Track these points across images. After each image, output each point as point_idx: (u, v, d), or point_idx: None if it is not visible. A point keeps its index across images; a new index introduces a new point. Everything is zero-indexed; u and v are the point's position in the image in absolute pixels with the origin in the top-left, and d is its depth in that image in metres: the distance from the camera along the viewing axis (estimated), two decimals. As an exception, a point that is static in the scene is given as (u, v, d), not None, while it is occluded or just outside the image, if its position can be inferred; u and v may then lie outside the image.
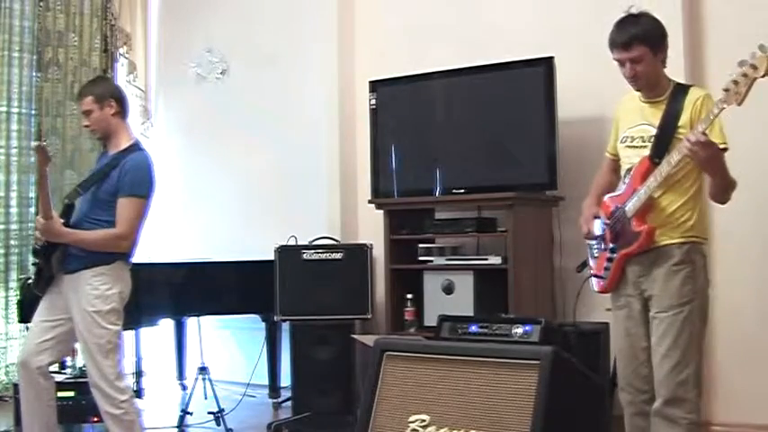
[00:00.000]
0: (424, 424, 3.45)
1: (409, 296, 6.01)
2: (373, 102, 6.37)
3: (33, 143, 4.50)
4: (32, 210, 7.44)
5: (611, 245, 4.05)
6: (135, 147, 4.63)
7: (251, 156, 7.62)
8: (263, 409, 6.70)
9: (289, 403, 6.52)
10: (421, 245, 6.07)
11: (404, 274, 6.12)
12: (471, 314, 5.56)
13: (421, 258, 6.03)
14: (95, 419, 5.16)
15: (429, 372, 3.54)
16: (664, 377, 3.82)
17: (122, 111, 4.68)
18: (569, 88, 5.69)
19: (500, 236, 5.76)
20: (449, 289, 5.85)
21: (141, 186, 4.49)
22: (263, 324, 6.80)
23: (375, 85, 6.40)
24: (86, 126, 4.69)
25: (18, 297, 6.85)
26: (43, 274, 4.56)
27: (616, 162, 4.21)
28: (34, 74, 7.56)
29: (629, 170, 4.03)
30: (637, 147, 4.00)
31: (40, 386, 4.49)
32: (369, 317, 6.25)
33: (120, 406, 4.43)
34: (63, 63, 7.69)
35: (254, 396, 6.88)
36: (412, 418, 3.49)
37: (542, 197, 5.80)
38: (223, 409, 5.91)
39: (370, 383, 3.67)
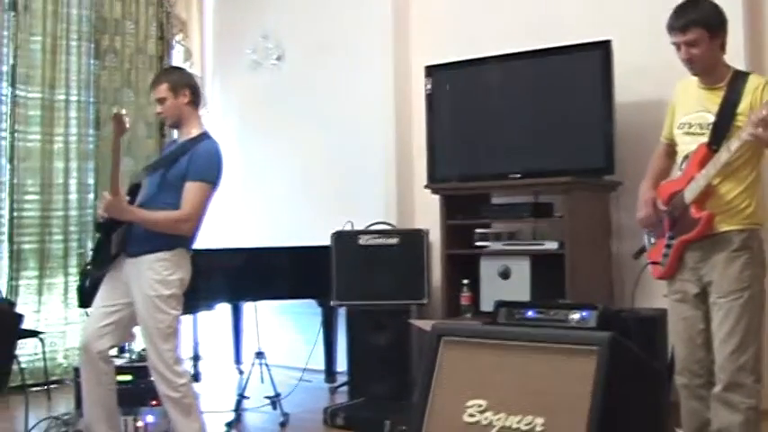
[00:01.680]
0: (481, 409, 3.47)
1: (465, 281, 6.03)
2: (429, 87, 6.38)
3: (114, 110, 4.54)
4: (91, 196, 7.54)
5: (669, 231, 4.04)
6: (205, 135, 4.68)
7: (307, 142, 7.67)
8: (320, 393, 6.75)
9: (345, 388, 6.58)
10: (477, 230, 6.08)
11: (460, 260, 6.14)
12: (528, 299, 5.56)
13: (477, 244, 6.04)
14: (153, 403, 5.22)
15: (486, 357, 3.55)
16: (723, 362, 3.81)
17: (195, 100, 4.74)
18: (627, 71, 5.66)
19: (557, 221, 5.76)
20: (505, 274, 5.86)
21: (210, 172, 4.55)
22: (320, 309, 6.85)
23: (431, 71, 6.40)
24: (159, 113, 4.75)
25: (78, 282, 6.97)
26: (102, 251, 4.63)
27: (671, 147, 4.19)
28: (92, 61, 7.65)
29: (686, 157, 4.01)
30: (695, 134, 3.98)
31: (100, 370, 4.57)
32: (425, 302, 6.27)
33: (178, 389, 4.50)
34: (120, 51, 7.80)
35: (310, 381, 6.94)
36: (469, 403, 3.50)
37: (600, 182, 5.78)
38: (279, 394, 5.97)
39: (427, 368, 3.68)
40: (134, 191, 4.58)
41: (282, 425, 5.78)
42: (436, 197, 6.21)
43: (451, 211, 6.15)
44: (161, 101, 4.68)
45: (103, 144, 7.42)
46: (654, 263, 4.14)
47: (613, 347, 3.29)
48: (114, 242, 4.56)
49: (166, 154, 4.75)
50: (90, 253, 7.13)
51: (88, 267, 5.63)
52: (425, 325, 4.31)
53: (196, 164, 4.51)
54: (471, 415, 3.48)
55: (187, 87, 4.71)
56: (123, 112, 4.42)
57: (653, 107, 5.54)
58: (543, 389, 3.37)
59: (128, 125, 4.40)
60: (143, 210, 4.51)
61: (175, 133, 4.88)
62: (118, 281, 4.60)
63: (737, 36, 5.08)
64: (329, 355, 6.96)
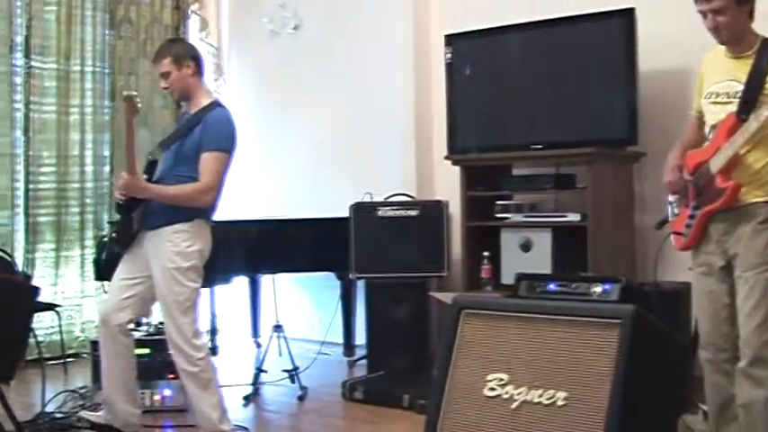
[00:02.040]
0: (502, 382, 3.46)
1: (485, 254, 6.01)
2: (449, 56, 6.34)
3: (124, 93, 4.53)
4: (107, 168, 7.57)
5: (693, 201, 4.00)
6: (216, 104, 4.68)
7: (325, 111, 7.64)
8: (338, 367, 6.77)
9: (363, 361, 6.61)
10: (498, 202, 6.06)
11: (480, 232, 6.12)
12: (549, 272, 5.55)
13: (498, 215, 6.03)
14: (171, 376, 5.26)
15: (508, 330, 3.54)
16: (748, 336, 3.78)
17: (199, 71, 4.73)
18: (651, 40, 5.61)
19: (579, 192, 5.74)
20: (526, 246, 5.85)
21: (224, 141, 4.54)
22: (338, 282, 6.86)
23: (451, 39, 6.36)
24: (165, 88, 4.73)
25: (94, 255, 6.99)
26: (125, 231, 4.64)
27: (702, 120, 4.13)
28: (107, 32, 7.64)
29: (713, 126, 3.97)
30: (722, 103, 3.94)
31: (120, 343, 4.61)
32: (444, 275, 6.28)
33: (196, 363, 4.52)
34: (135, 21, 7.79)
35: (328, 354, 6.96)
36: (490, 377, 3.49)
37: (623, 153, 5.74)
38: (298, 367, 5.99)
39: (447, 341, 3.67)
40: (151, 168, 4.59)
41: (301, 398, 5.81)
42: (456, 168, 6.20)
43: (472, 182, 6.14)
44: (165, 75, 4.67)
45: (119, 115, 7.40)
46: (676, 233, 4.11)
47: (637, 320, 3.28)
48: (135, 220, 4.59)
49: (180, 127, 4.75)
50: (106, 225, 7.18)
51: (104, 239, 5.66)
52: (445, 297, 4.31)
53: (209, 133, 4.50)
54: (492, 389, 3.48)
55: (190, 58, 4.70)
56: (134, 93, 4.43)
57: (677, 76, 5.50)
58: (565, 362, 3.36)
59: (139, 106, 4.41)
60: (161, 186, 4.52)
61: (190, 105, 4.87)
62: (138, 254, 4.63)
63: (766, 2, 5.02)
64: (348, 328, 6.98)
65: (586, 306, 3.48)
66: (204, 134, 4.50)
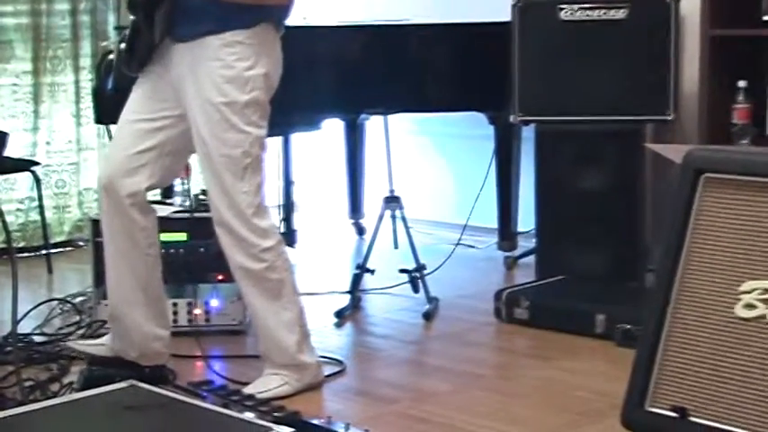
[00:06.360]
0: (766, 296, 3.39)
1: (741, 84, 5.93)
2: None
3: None
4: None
5: None
6: None
7: None
8: (490, 267, 6.86)
9: (530, 259, 6.63)
10: (764, -5, 5.94)
11: (733, 47, 6.03)
12: None
13: (765, 18, 5.87)
14: (220, 278, 5.30)
15: (777, 209, 3.47)
16: None
17: None
18: None
19: None
20: (812, 71, 5.77)
21: None
22: (491, 129, 6.86)
23: None
24: None
25: (93, 82, 7.02)
26: (140, 42, 4.58)
27: None
28: None
29: None
30: None
31: (134, 224, 4.59)
32: (670, 117, 6.18)
33: (260, 257, 4.52)
34: None
35: (472, 246, 7.02)
36: (746, 286, 3.42)
37: None
38: (424, 266, 6.01)
39: (674, 226, 3.61)
40: None
41: (427, 317, 5.84)
42: (694, -64, 6.07)
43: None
44: None
45: None
46: None
47: None
48: (159, 25, 4.50)
49: None
50: (112, 33, 7.18)
51: (110, 56, 5.65)
52: (672, 153, 4.23)
53: None
54: (750, 305, 3.42)
55: None
56: None
57: None
58: None
59: None
60: None
61: None
62: (161, 80, 4.58)
63: None
64: (505, 204, 6.99)
65: None
66: None
